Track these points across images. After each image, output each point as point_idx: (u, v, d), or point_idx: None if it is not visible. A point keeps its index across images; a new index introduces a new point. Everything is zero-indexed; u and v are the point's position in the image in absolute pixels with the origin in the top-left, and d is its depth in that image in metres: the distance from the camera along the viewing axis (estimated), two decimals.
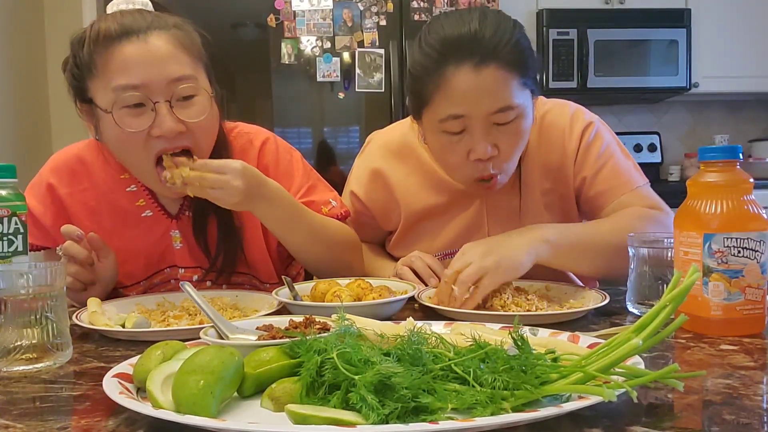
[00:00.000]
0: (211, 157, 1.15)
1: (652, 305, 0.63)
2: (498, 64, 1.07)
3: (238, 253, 1.25)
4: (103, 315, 0.99)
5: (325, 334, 0.69)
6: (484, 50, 1.06)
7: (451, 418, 0.54)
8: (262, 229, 1.25)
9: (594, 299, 1.04)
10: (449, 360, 0.62)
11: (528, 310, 0.99)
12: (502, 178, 1.18)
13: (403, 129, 1.38)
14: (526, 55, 1.11)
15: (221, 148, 1.20)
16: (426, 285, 1.17)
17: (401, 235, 1.36)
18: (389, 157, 1.35)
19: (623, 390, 0.56)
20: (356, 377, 0.57)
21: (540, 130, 1.27)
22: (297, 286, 1.10)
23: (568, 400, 0.58)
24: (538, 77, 1.16)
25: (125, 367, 0.68)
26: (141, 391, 0.65)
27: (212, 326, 0.78)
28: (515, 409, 0.56)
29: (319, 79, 2.87)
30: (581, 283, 1.28)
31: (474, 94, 1.07)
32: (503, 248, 1.04)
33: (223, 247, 1.23)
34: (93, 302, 1.03)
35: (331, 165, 2.91)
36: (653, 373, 0.58)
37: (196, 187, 1.04)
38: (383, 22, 2.91)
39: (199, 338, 0.75)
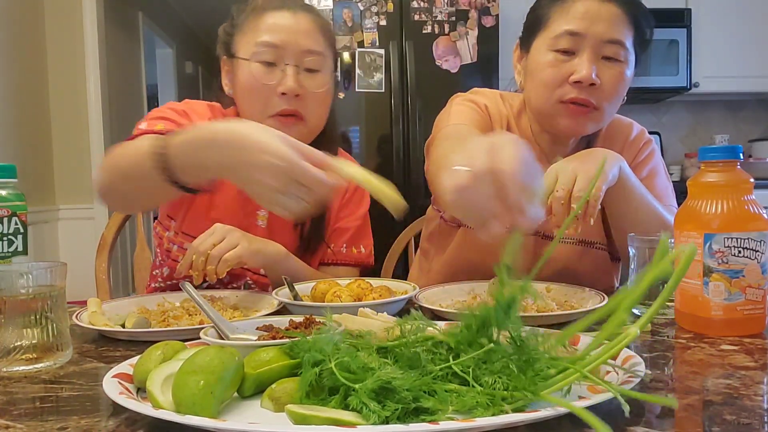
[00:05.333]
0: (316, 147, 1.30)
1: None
2: (618, 5, 1.17)
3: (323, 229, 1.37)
4: (103, 315, 0.99)
5: (325, 335, 0.69)
6: None
7: (452, 418, 0.54)
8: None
9: (593, 300, 1.04)
10: (449, 361, 0.62)
11: (527, 310, 0.99)
12: (593, 115, 1.21)
13: (494, 95, 1.37)
14: (642, 15, 1.20)
15: (330, 141, 1.33)
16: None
17: None
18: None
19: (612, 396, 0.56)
20: (356, 386, 0.56)
21: (607, 128, 1.36)
22: (297, 286, 1.10)
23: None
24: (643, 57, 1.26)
25: (125, 367, 0.68)
26: (141, 391, 0.65)
27: (212, 326, 0.78)
28: (515, 410, 0.56)
29: None
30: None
31: (593, 16, 1.16)
32: (592, 157, 1.07)
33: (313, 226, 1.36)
34: (93, 302, 1.03)
35: None
36: (642, 394, 0.58)
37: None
38: (383, 22, 2.91)
39: (199, 338, 0.75)
